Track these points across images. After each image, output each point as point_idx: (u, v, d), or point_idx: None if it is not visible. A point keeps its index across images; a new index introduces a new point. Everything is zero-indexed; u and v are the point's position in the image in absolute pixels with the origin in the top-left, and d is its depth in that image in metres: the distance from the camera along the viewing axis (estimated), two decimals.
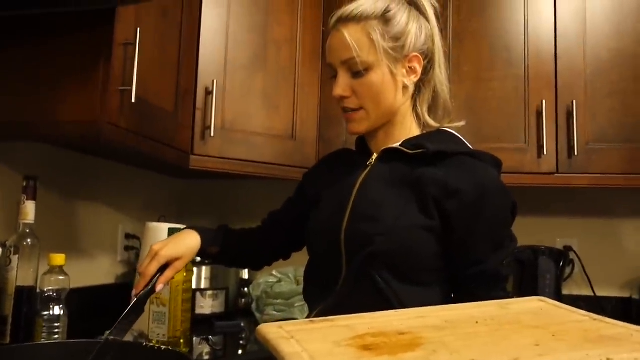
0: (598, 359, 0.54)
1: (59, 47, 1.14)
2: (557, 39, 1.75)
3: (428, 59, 1.02)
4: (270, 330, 0.69)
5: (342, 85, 0.98)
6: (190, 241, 1.05)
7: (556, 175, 1.71)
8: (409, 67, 1.00)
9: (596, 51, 1.73)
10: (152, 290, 0.97)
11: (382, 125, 1.03)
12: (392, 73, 0.98)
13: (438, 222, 0.93)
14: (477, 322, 0.70)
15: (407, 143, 1.00)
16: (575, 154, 1.68)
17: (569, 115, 1.70)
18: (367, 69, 0.97)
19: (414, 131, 1.04)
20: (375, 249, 0.93)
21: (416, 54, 1.00)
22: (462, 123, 1.05)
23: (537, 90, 1.74)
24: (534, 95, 1.74)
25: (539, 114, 1.72)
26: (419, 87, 1.03)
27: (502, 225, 0.96)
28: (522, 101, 1.74)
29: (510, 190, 0.97)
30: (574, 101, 1.69)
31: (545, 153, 1.69)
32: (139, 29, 1.16)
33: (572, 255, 1.91)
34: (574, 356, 0.56)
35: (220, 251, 1.11)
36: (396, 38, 0.97)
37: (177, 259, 1.00)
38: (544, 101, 1.71)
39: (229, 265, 1.35)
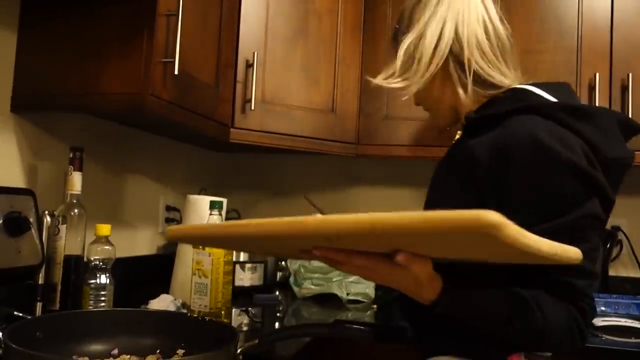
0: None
1: (104, 19, 1.14)
2: (614, 7, 1.65)
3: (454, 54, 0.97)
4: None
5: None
6: None
7: None
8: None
9: None
10: None
11: (451, 115, 1.03)
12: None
13: (473, 195, 0.86)
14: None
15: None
16: None
17: (624, 89, 1.62)
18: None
19: (474, 103, 0.97)
20: None
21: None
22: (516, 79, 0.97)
23: (590, 63, 1.66)
24: (586, 68, 1.66)
25: (592, 88, 1.64)
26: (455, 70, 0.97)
27: (544, 189, 0.79)
28: (574, 75, 1.66)
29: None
30: (630, 74, 1.60)
31: None
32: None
33: (620, 236, 1.84)
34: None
35: None
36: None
37: None
38: (597, 74, 1.63)
39: None
